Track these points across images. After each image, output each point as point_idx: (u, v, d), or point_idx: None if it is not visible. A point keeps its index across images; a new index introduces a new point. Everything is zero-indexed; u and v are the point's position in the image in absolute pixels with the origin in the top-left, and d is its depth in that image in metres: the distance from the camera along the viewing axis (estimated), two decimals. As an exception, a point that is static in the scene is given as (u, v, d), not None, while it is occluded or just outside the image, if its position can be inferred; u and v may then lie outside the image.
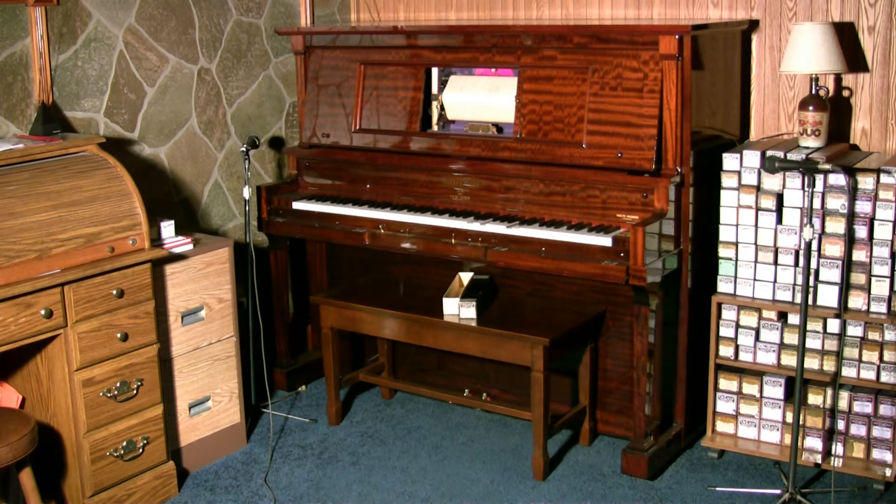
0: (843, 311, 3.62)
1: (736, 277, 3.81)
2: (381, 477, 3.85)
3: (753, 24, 4.11)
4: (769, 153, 3.65)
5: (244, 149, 4.27)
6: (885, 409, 3.64)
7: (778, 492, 3.62)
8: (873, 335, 3.60)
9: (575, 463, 3.94)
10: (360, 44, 4.41)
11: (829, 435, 3.76)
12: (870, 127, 3.96)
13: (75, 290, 3.29)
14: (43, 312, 3.20)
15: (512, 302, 4.10)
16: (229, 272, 3.96)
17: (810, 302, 3.67)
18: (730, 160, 3.78)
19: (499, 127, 4.15)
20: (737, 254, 3.80)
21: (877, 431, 3.66)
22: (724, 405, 3.93)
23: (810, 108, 3.76)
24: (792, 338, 3.76)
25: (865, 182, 3.55)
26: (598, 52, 3.81)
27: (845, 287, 3.61)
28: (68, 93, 3.92)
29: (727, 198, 3.79)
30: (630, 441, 3.82)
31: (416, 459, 3.98)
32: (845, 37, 3.89)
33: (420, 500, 3.67)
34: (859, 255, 3.60)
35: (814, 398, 3.78)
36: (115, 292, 3.40)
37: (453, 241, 3.92)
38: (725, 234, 3.81)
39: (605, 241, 3.60)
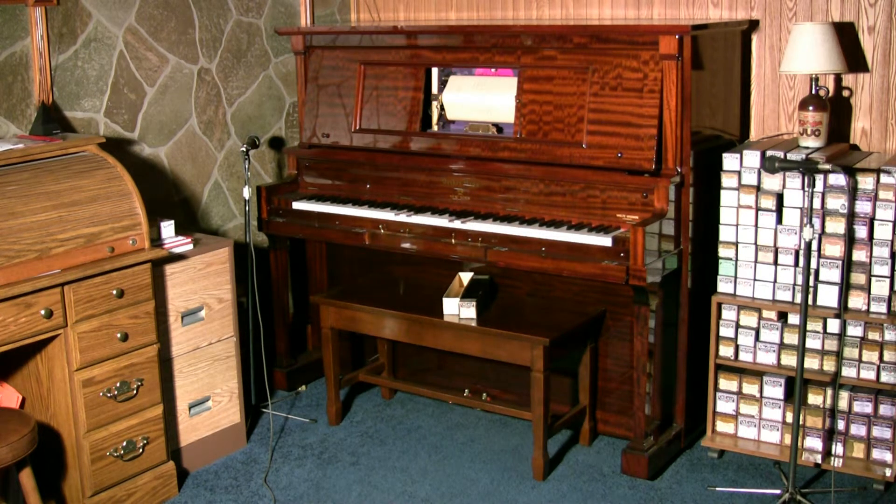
0: (843, 311, 3.61)
1: (736, 277, 3.81)
2: (381, 477, 3.85)
3: (753, 24, 4.11)
4: (769, 153, 3.65)
5: (244, 149, 4.27)
6: (885, 409, 3.64)
7: (778, 492, 3.62)
8: (873, 335, 3.60)
9: (575, 463, 3.94)
10: (360, 44, 4.41)
11: (829, 435, 3.76)
12: (870, 127, 3.96)
13: (75, 290, 3.29)
14: (43, 312, 3.20)
15: (512, 302, 4.10)
16: (229, 272, 3.96)
17: (810, 302, 3.67)
18: (730, 160, 3.78)
19: (499, 127, 4.15)
20: (737, 254, 3.80)
21: (877, 431, 3.66)
22: (724, 405, 3.93)
23: (810, 108, 3.76)
24: (792, 338, 3.76)
25: (865, 182, 3.55)
26: (598, 52, 3.81)
27: (845, 287, 3.61)
28: (68, 93, 3.92)
29: (727, 198, 3.79)
30: (630, 441, 3.83)
31: (416, 459, 3.99)
32: (845, 37, 3.89)
33: (420, 500, 3.67)
34: (859, 255, 3.60)
35: (814, 398, 3.78)
36: (115, 292, 3.40)
37: (453, 241, 3.92)
38: (725, 234, 3.81)
39: (605, 241, 3.60)
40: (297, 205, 4.36)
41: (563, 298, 4.09)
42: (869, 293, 3.60)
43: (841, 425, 3.73)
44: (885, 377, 3.59)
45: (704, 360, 3.96)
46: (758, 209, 3.74)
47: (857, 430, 3.70)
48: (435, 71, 4.28)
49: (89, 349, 3.36)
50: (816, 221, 3.62)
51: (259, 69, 4.75)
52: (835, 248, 3.61)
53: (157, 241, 3.72)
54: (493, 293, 4.18)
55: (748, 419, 3.90)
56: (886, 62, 3.89)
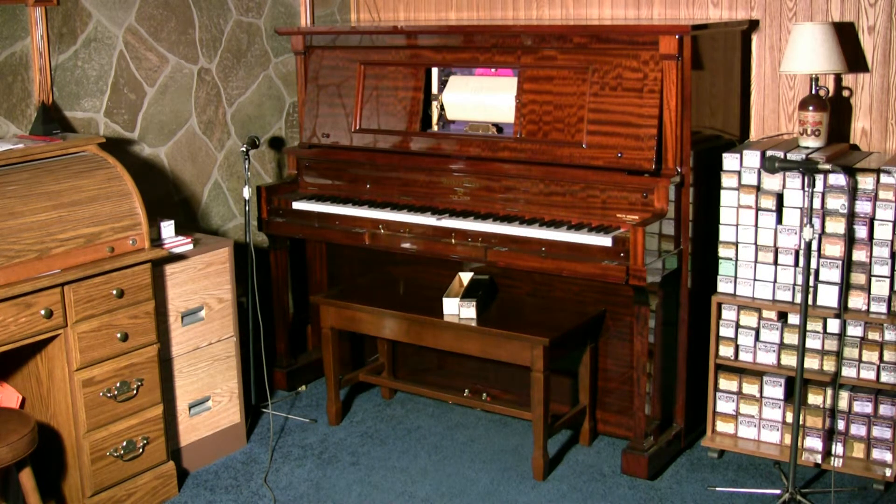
0: (843, 311, 3.62)
1: (736, 277, 3.81)
2: (381, 477, 3.85)
3: (753, 24, 4.11)
4: (769, 153, 3.65)
5: (244, 149, 4.27)
6: (885, 409, 3.64)
7: (778, 492, 3.62)
8: (873, 335, 3.60)
9: (575, 463, 3.94)
10: (360, 44, 4.41)
11: (829, 435, 3.76)
12: (870, 127, 3.96)
13: (75, 290, 3.29)
14: (43, 312, 3.20)
15: (512, 302, 4.10)
16: (229, 272, 3.96)
17: (810, 302, 3.67)
18: (730, 160, 3.78)
19: (499, 127, 4.15)
20: (737, 254, 3.80)
21: (877, 431, 3.66)
22: (724, 405, 3.93)
23: (810, 108, 3.76)
24: (792, 338, 3.76)
25: (865, 182, 3.55)
26: (598, 52, 3.81)
27: (845, 287, 3.61)
28: (68, 93, 3.92)
29: (727, 198, 3.79)
30: (630, 441, 3.82)
31: (416, 459, 3.99)
32: (845, 37, 3.89)
33: (420, 500, 3.67)
34: (859, 255, 3.60)
35: (814, 398, 3.78)
36: (115, 292, 3.40)
37: (453, 241, 3.92)
38: (725, 234, 3.81)
39: (605, 241, 3.60)
40: (297, 205, 4.36)
41: (563, 298, 4.09)
42: (869, 293, 3.60)
43: (841, 425, 3.73)
44: (885, 377, 3.59)
45: (704, 360, 3.96)
46: (758, 209, 3.74)
47: (857, 430, 3.70)
48: (435, 71, 4.28)
49: (89, 349, 3.36)
50: (816, 221, 3.62)
51: (259, 69, 4.75)
52: (835, 248, 3.61)
53: (157, 241, 3.72)
54: (493, 293, 4.18)
55: (748, 419, 3.90)
56: (886, 62, 3.89)
